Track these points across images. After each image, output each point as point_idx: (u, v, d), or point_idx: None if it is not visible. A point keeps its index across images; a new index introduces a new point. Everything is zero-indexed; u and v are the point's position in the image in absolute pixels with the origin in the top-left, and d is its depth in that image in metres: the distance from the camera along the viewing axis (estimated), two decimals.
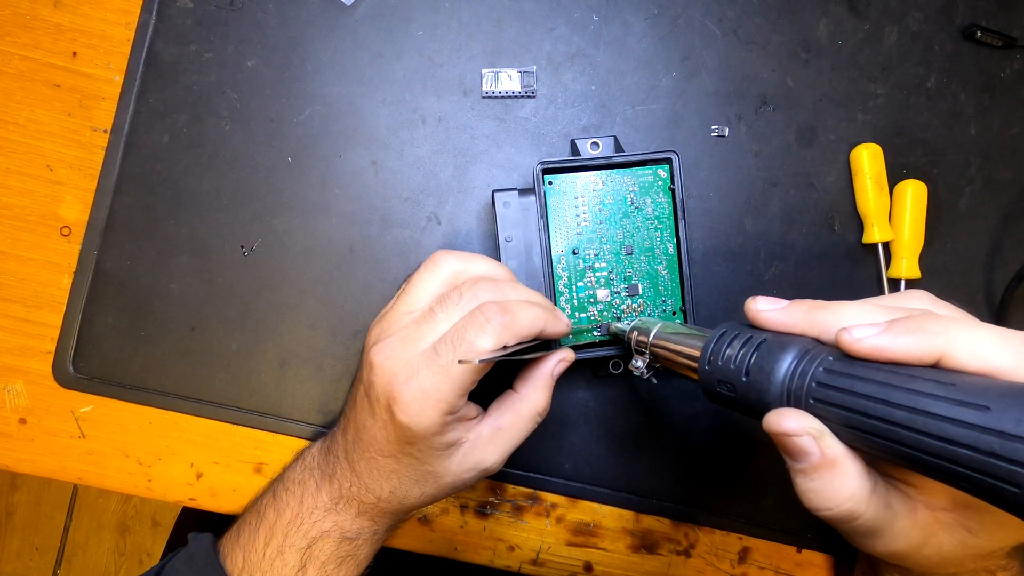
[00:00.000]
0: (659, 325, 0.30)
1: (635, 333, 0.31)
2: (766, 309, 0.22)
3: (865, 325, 0.19)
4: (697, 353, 0.25)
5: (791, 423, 0.19)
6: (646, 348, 0.30)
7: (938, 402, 0.16)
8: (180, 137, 0.39)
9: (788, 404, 0.20)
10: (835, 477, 0.19)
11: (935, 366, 0.17)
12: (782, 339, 0.21)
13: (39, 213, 0.39)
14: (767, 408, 0.21)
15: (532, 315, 0.28)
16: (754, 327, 0.23)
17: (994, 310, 0.40)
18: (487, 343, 0.26)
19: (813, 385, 0.19)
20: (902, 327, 0.18)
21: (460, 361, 0.26)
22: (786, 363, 0.20)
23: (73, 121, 0.39)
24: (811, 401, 0.20)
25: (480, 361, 0.25)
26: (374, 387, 0.28)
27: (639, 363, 0.30)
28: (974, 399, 0.15)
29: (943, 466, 0.16)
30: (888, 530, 0.20)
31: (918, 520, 0.20)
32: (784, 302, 0.22)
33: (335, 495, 0.30)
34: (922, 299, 0.21)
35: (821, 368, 0.19)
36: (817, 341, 0.21)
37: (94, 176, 0.39)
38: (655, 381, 0.31)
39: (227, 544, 0.31)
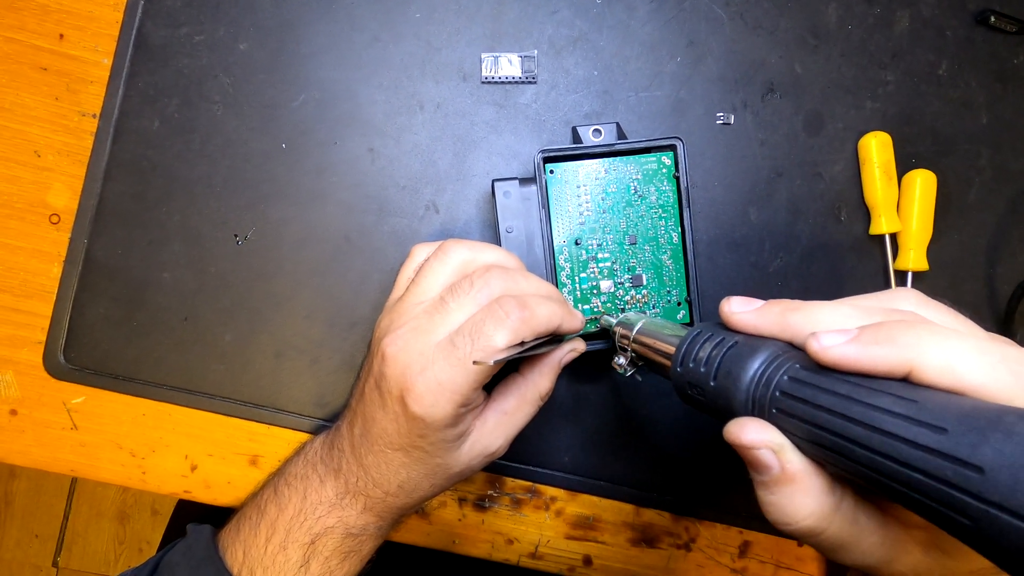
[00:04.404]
0: (642, 321, 0.29)
1: (619, 329, 0.30)
2: (739, 311, 0.21)
3: (834, 332, 0.17)
4: (672, 352, 0.24)
5: (750, 435, 0.19)
6: (628, 345, 0.29)
7: (896, 420, 0.15)
8: (171, 122, 0.38)
9: (752, 412, 0.19)
10: (795, 493, 0.18)
11: (906, 379, 0.16)
12: (753, 343, 0.20)
13: (27, 200, 0.38)
14: (733, 415, 0.20)
15: (550, 311, 0.27)
16: (729, 329, 0.22)
17: (1001, 306, 0.40)
18: (505, 338, 0.26)
19: (776, 394, 0.18)
20: (871, 336, 0.17)
21: (475, 362, 0.25)
22: (753, 369, 0.19)
23: (61, 105, 0.38)
24: (774, 410, 0.19)
25: (495, 362, 0.24)
26: (386, 378, 0.27)
27: (621, 360, 0.29)
28: (933, 419, 0.14)
29: (897, 489, 0.15)
30: (855, 546, 0.19)
31: (889, 536, 0.19)
32: (759, 303, 0.21)
33: (340, 490, 0.30)
34: (909, 299, 0.20)
35: (786, 376, 0.18)
36: (791, 345, 0.20)
37: (83, 162, 0.38)
38: (639, 379, 0.30)
39: (226, 538, 0.31)
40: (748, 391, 0.19)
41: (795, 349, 0.20)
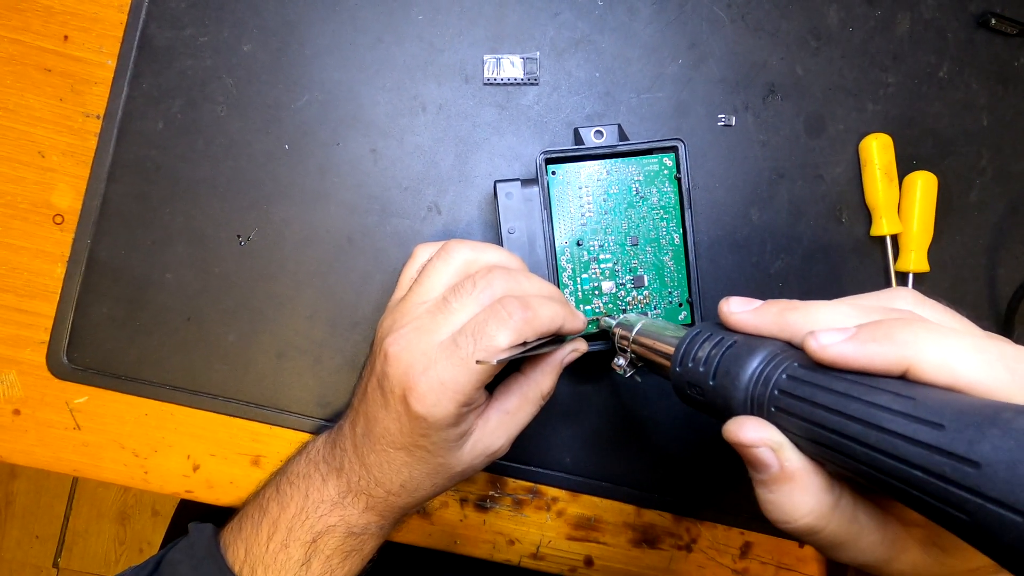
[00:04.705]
0: (641, 323, 0.29)
1: (618, 330, 0.30)
2: (738, 311, 0.22)
3: (832, 330, 0.18)
4: (671, 352, 0.24)
5: (749, 434, 0.19)
6: (628, 346, 0.29)
7: (894, 417, 0.15)
8: (175, 123, 0.38)
9: (751, 411, 0.19)
10: (794, 491, 0.18)
11: (903, 377, 0.16)
12: (752, 343, 0.20)
13: (31, 201, 0.38)
14: (732, 414, 0.20)
15: (552, 311, 0.28)
16: (728, 329, 0.22)
17: (1001, 308, 0.40)
18: (508, 338, 0.26)
19: (775, 392, 0.18)
20: (869, 334, 0.17)
21: (478, 362, 0.26)
22: (751, 368, 0.19)
23: (65, 106, 0.38)
24: (772, 409, 0.19)
25: (497, 361, 0.24)
26: (388, 377, 0.27)
27: (621, 361, 0.29)
28: (930, 416, 0.14)
29: (895, 486, 0.15)
30: (853, 544, 0.19)
31: (887, 534, 0.19)
32: (757, 303, 0.21)
33: (343, 489, 0.30)
34: (906, 298, 0.20)
35: (784, 375, 0.18)
36: (789, 345, 0.20)
37: (87, 163, 0.38)
38: (639, 380, 0.30)
39: (228, 536, 0.31)
40: (747, 390, 0.20)
41: (793, 348, 0.20)
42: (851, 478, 0.18)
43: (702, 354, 0.22)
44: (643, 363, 0.29)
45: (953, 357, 0.15)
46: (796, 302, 0.20)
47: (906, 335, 0.16)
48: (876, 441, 0.15)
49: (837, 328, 0.18)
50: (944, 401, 0.14)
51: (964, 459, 0.13)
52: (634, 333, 0.28)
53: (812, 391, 0.17)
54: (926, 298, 0.20)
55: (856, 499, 0.19)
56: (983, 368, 0.15)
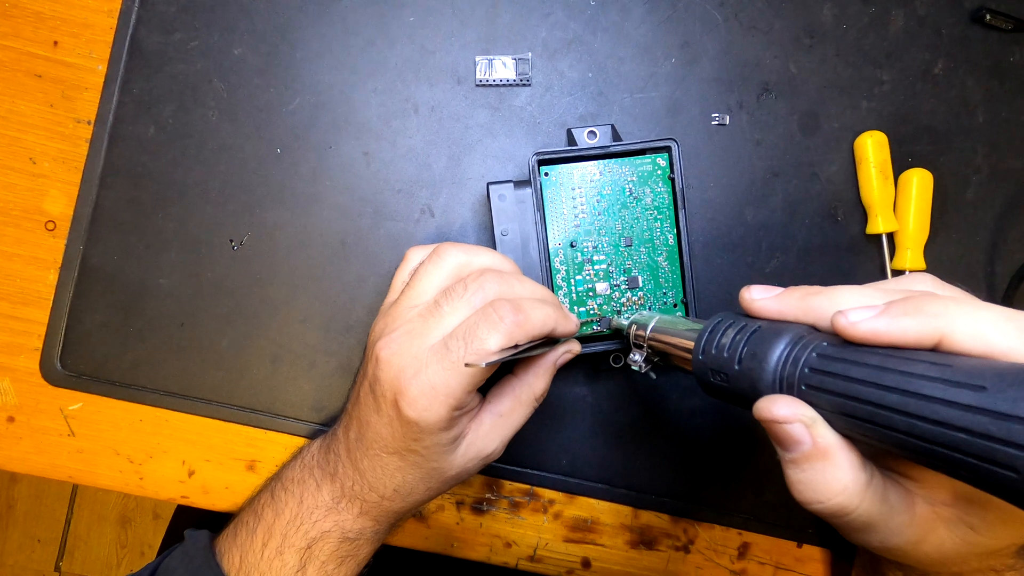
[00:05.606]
0: (657, 318, 0.29)
1: (633, 327, 0.31)
2: (760, 297, 0.22)
3: (861, 308, 0.18)
4: (691, 344, 0.24)
5: (782, 410, 0.19)
6: (644, 342, 0.29)
7: (932, 383, 0.15)
8: (166, 128, 0.38)
9: (781, 391, 0.20)
10: (827, 468, 0.18)
11: (935, 349, 0.17)
12: (776, 326, 0.21)
13: (23, 207, 0.38)
14: (759, 396, 0.20)
15: (544, 314, 0.27)
16: (750, 316, 0.23)
17: (998, 303, 0.40)
18: (498, 341, 0.26)
19: (806, 371, 0.19)
20: (900, 309, 0.17)
21: (467, 364, 0.25)
22: (779, 349, 0.20)
23: (56, 112, 0.38)
24: (803, 388, 0.19)
25: (487, 364, 0.24)
26: (380, 382, 0.27)
27: (637, 357, 0.29)
28: (970, 379, 0.14)
29: (938, 452, 0.15)
30: (884, 526, 0.19)
31: (916, 515, 0.19)
32: (779, 289, 0.22)
33: (336, 494, 0.30)
34: (925, 282, 0.20)
35: (814, 353, 0.19)
36: (813, 328, 0.20)
37: (78, 169, 0.38)
38: (653, 376, 0.30)
39: (223, 543, 0.31)
40: (776, 371, 0.20)
41: (818, 332, 0.20)
42: (888, 449, 0.18)
43: (726, 340, 0.22)
44: (659, 357, 0.29)
45: (986, 326, 0.16)
46: (818, 287, 0.21)
47: (937, 308, 0.17)
48: (916, 408, 0.15)
49: (865, 306, 0.18)
50: (982, 366, 0.15)
51: (1010, 416, 0.13)
52: (651, 328, 0.29)
53: (845, 367, 0.18)
54: (943, 282, 0.20)
55: (885, 479, 0.19)
56: (1014, 336, 0.16)
